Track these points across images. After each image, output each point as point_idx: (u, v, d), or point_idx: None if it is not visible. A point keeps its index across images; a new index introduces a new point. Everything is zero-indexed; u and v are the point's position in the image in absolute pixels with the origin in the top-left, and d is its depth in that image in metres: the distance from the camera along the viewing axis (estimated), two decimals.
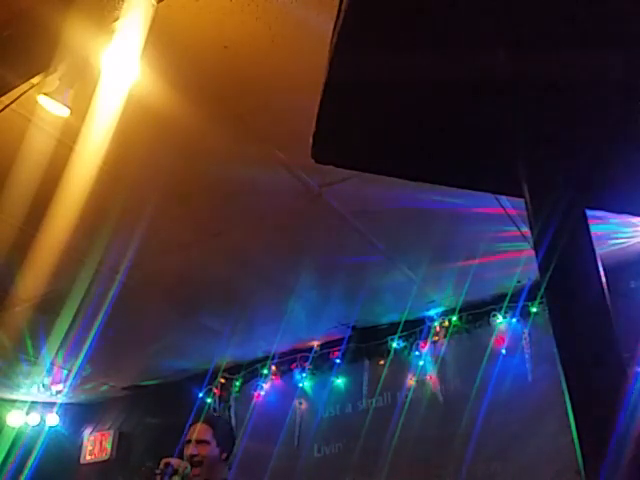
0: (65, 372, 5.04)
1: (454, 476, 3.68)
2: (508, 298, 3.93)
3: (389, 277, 3.81)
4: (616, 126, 0.62)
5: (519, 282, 3.82)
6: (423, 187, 2.72)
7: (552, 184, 0.56)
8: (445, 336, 4.19)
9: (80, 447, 5.72)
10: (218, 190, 3.03)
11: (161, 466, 2.33)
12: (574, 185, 0.56)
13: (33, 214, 3.01)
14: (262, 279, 3.82)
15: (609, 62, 0.54)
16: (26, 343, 4.47)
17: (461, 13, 0.53)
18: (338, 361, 4.53)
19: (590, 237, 0.55)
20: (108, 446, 5.51)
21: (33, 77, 2.29)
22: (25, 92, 2.39)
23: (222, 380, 5.03)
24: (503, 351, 3.91)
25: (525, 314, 3.90)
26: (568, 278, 0.53)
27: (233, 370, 5.03)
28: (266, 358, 4.85)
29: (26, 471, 5.33)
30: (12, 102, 2.44)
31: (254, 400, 4.81)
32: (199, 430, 2.48)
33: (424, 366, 4.21)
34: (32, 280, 3.64)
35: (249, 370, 4.94)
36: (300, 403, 4.64)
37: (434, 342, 4.23)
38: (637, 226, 3.31)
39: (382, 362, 4.38)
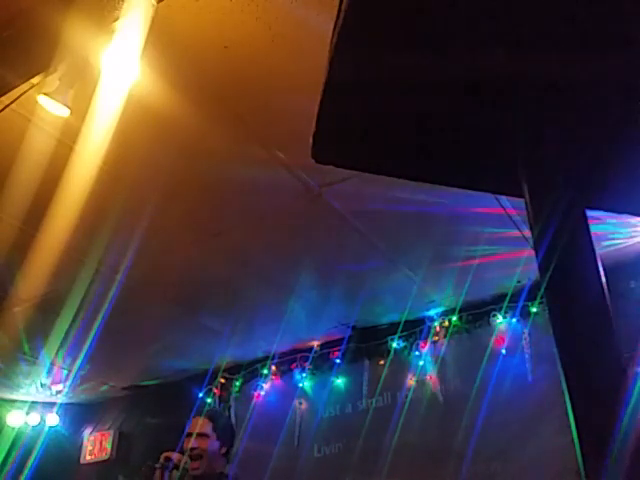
0: (65, 372, 5.04)
1: (454, 476, 3.68)
2: (508, 298, 3.93)
3: (389, 277, 3.81)
4: (616, 126, 0.62)
5: (519, 282, 3.82)
6: (423, 187, 2.72)
7: (552, 184, 0.56)
8: (445, 336, 4.19)
9: (80, 447, 5.71)
10: (218, 190, 3.03)
11: (161, 460, 2.33)
12: (574, 185, 0.56)
13: (33, 214, 3.01)
14: (262, 279, 3.82)
15: (609, 62, 0.54)
16: (26, 343, 4.47)
17: (461, 13, 0.53)
18: (338, 361, 4.53)
19: (590, 237, 0.55)
20: (108, 446, 5.51)
21: (33, 77, 2.29)
22: (25, 92, 2.39)
23: (222, 380, 5.03)
24: (503, 351, 3.91)
25: (525, 314, 3.90)
26: (568, 278, 0.53)
27: (233, 370, 5.03)
28: (266, 358, 4.85)
29: (26, 471, 5.33)
30: (12, 102, 2.44)
31: (254, 400, 4.81)
32: (199, 423, 2.50)
33: (424, 366, 4.21)
34: (32, 280, 3.64)
35: (249, 370, 4.94)
36: (300, 403, 4.64)
37: (434, 342, 4.23)
38: (637, 226, 3.31)
39: (382, 362, 4.38)
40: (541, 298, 3.76)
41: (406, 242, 3.46)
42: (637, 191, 0.67)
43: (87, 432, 5.79)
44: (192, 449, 2.40)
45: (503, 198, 2.94)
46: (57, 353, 4.55)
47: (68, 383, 5.26)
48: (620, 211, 0.71)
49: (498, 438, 3.66)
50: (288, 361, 4.78)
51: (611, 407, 0.47)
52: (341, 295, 4.00)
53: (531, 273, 3.64)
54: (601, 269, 0.53)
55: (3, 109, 2.46)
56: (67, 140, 2.63)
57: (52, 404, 5.72)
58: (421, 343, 4.24)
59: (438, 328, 4.23)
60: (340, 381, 4.55)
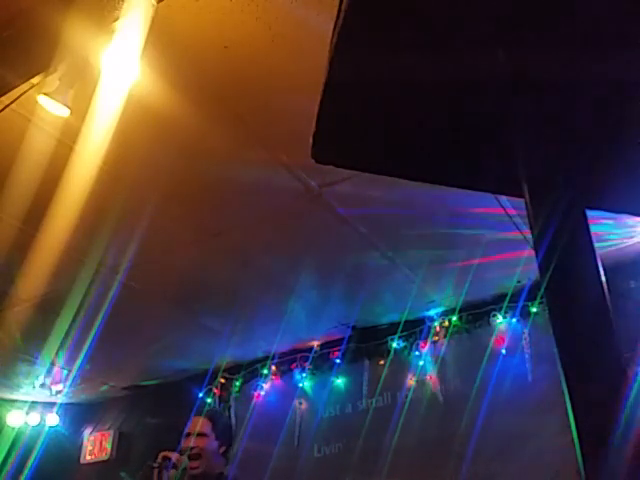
0: (65, 372, 5.04)
1: (454, 476, 3.68)
2: (508, 298, 3.93)
3: (389, 277, 3.81)
4: (616, 126, 0.62)
5: (519, 282, 3.82)
6: (423, 187, 2.72)
7: (552, 184, 0.56)
8: (445, 336, 4.19)
9: (80, 447, 5.72)
10: (218, 190, 3.03)
11: (159, 460, 2.33)
12: (574, 185, 0.56)
13: (33, 214, 3.01)
14: (262, 279, 3.82)
15: (609, 62, 0.54)
16: (26, 343, 4.47)
17: (461, 13, 0.53)
18: (338, 361, 4.53)
19: (590, 237, 0.55)
20: (108, 446, 5.51)
21: (33, 77, 2.29)
22: (25, 92, 2.39)
23: (222, 380, 5.03)
24: (503, 351, 3.91)
25: (525, 314, 3.90)
26: (568, 278, 0.53)
27: (233, 370, 5.03)
28: (266, 358, 4.85)
29: (26, 471, 5.33)
30: (12, 102, 2.44)
31: (254, 400, 4.81)
32: (198, 423, 2.50)
33: (424, 366, 4.21)
34: (32, 280, 3.64)
35: (249, 370, 4.94)
36: (300, 403, 4.64)
37: (434, 342, 4.23)
38: (636, 226, 3.31)
39: (382, 362, 4.38)
40: (541, 298, 3.76)
41: (406, 242, 3.46)
42: (637, 191, 0.67)
43: (87, 432, 5.79)
44: (191, 448, 2.41)
45: (503, 198, 2.94)
46: (57, 353, 4.54)
47: (68, 383, 5.26)
48: (620, 211, 0.71)
49: (498, 438, 3.65)
50: (288, 361, 4.78)
51: (611, 407, 0.47)
52: (341, 295, 4.00)
53: (531, 273, 3.64)
54: (601, 269, 0.53)
55: (3, 109, 2.46)
56: (67, 140, 2.63)
57: (52, 404, 5.72)
58: (421, 343, 4.24)
59: (438, 328, 4.23)
60: (340, 381, 4.55)
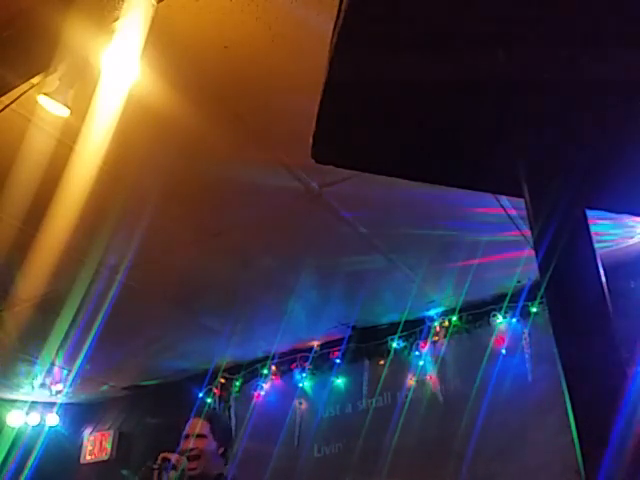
0: (65, 372, 5.04)
1: (454, 476, 3.68)
2: (508, 298, 3.93)
3: (389, 277, 3.81)
4: (616, 126, 0.62)
5: (519, 282, 3.82)
6: (423, 187, 2.72)
7: (552, 184, 0.56)
8: (445, 336, 4.19)
9: (80, 447, 5.72)
10: (218, 190, 3.03)
11: (158, 461, 2.34)
12: (574, 185, 0.56)
13: (33, 214, 3.01)
14: (262, 279, 3.82)
15: (609, 62, 0.54)
16: (26, 343, 4.46)
17: (461, 13, 0.53)
18: (338, 361, 4.53)
19: (590, 237, 0.55)
20: (108, 446, 5.51)
21: (33, 77, 2.29)
22: (25, 92, 2.39)
23: (222, 380, 5.03)
24: (503, 351, 3.91)
25: (525, 314, 3.90)
26: (568, 278, 0.53)
27: (233, 370, 5.03)
28: (266, 358, 4.85)
29: (26, 471, 5.33)
30: (12, 102, 2.44)
31: (254, 400, 4.81)
32: (196, 425, 2.52)
33: (424, 366, 4.21)
34: (32, 280, 3.64)
35: (249, 370, 4.94)
36: (300, 403, 4.64)
37: (434, 342, 4.23)
38: (636, 226, 3.31)
39: (382, 362, 4.38)
40: (541, 298, 3.76)
41: (406, 242, 3.46)
42: (637, 191, 0.67)
43: (87, 432, 5.79)
44: (190, 450, 2.42)
45: (503, 198, 2.94)
46: (57, 353, 4.54)
47: (68, 383, 5.26)
48: (620, 211, 0.71)
49: (498, 438, 3.66)
50: (288, 361, 4.78)
51: (611, 407, 0.47)
52: (341, 295, 4.00)
53: (531, 273, 3.64)
54: (601, 269, 0.53)
55: (3, 109, 2.46)
56: (67, 140, 2.63)
57: (52, 404, 5.71)
58: (421, 343, 4.24)
59: (438, 328, 4.23)
60: (340, 381, 4.55)
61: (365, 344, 4.46)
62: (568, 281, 0.53)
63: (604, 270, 0.53)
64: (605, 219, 3.12)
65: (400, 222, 3.28)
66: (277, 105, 2.51)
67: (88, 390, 5.54)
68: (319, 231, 3.36)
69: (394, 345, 4.32)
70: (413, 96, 0.60)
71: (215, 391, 5.02)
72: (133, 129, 2.59)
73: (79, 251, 3.42)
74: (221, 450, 2.51)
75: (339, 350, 4.53)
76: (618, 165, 0.65)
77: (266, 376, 4.83)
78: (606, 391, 0.48)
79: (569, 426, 0.48)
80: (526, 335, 3.86)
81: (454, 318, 4.17)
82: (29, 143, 2.62)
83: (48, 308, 3.92)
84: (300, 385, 4.68)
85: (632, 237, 3.41)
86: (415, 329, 4.29)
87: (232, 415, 4.89)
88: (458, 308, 4.14)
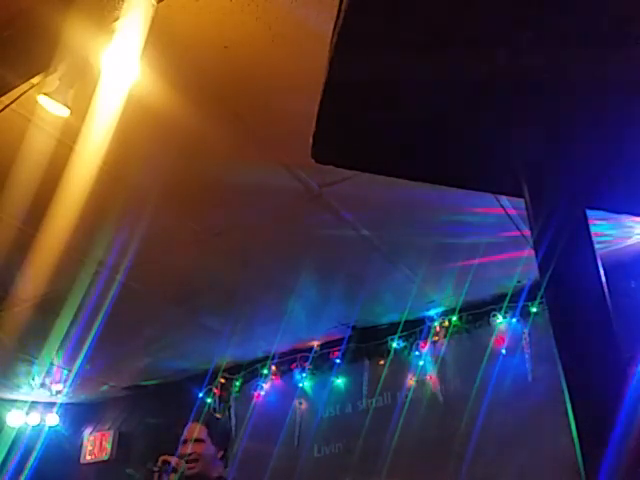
0: (65, 372, 5.04)
1: (454, 476, 3.68)
2: (508, 298, 3.93)
3: (389, 277, 3.81)
4: (616, 126, 0.62)
5: (519, 282, 3.82)
6: (423, 187, 2.72)
7: (552, 184, 0.56)
8: (445, 336, 4.19)
9: (80, 447, 5.72)
10: (218, 190, 3.03)
11: (159, 464, 2.35)
12: (574, 185, 0.56)
13: (33, 214, 3.01)
14: (262, 279, 3.82)
15: (609, 62, 0.54)
16: (26, 343, 4.46)
17: (461, 13, 0.53)
18: (338, 361, 4.53)
19: (590, 237, 0.55)
20: (108, 446, 5.51)
21: (33, 77, 2.29)
22: (25, 92, 2.39)
23: (222, 380, 5.03)
24: (503, 351, 3.91)
25: (525, 314, 3.90)
26: (568, 278, 0.53)
27: (233, 370, 5.03)
28: (266, 358, 4.85)
29: (26, 471, 5.33)
30: (12, 102, 2.44)
31: (254, 400, 4.81)
32: (194, 429, 2.53)
33: (424, 366, 4.21)
34: (32, 280, 3.64)
35: (249, 370, 4.94)
36: (300, 403, 4.64)
37: (434, 342, 4.23)
38: (636, 226, 3.31)
39: (382, 362, 4.38)
40: (541, 298, 3.75)
41: (406, 242, 3.46)
42: (637, 191, 0.67)
43: (87, 432, 5.79)
44: (188, 454, 2.44)
45: (503, 198, 2.94)
46: (57, 353, 4.55)
47: (68, 383, 5.26)
48: (620, 211, 0.71)
49: (498, 438, 3.65)
50: (288, 361, 4.78)
51: (611, 407, 0.47)
52: (341, 295, 4.00)
53: (531, 273, 3.64)
54: (601, 269, 0.53)
55: (3, 109, 2.46)
56: (67, 140, 2.63)
57: (52, 404, 5.71)
58: (421, 343, 4.24)
59: (438, 328, 4.23)
60: (340, 381, 4.55)
61: (365, 344, 4.46)
62: (568, 281, 0.53)
63: (604, 270, 0.53)
64: (605, 219, 3.13)
65: (400, 222, 3.28)
66: (277, 105, 2.51)
67: (88, 390, 5.54)
68: (319, 231, 3.36)
69: (394, 345, 4.32)
70: (413, 96, 0.60)
71: (215, 391, 5.02)
72: (133, 129, 2.59)
73: (79, 251, 3.42)
74: (220, 454, 2.52)
75: (339, 350, 4.53)
76: (618, 165, 0.65)
77: (266, 376, 4.83)
78: (606, 391, 0.48)
79: (569, 426, 0.48)
80: (526, 335, 3.86)
81: (454, 318, 4.17)
82: (29, 143, 2.62)
83: (48, 308, 3.92)
84: (300, 385, 4.68)
85: (631, 237, 3.41)
86: (415, 329, 4.30)
87: (232, 415, 4.89)
88: (458, 308, 4.14)
